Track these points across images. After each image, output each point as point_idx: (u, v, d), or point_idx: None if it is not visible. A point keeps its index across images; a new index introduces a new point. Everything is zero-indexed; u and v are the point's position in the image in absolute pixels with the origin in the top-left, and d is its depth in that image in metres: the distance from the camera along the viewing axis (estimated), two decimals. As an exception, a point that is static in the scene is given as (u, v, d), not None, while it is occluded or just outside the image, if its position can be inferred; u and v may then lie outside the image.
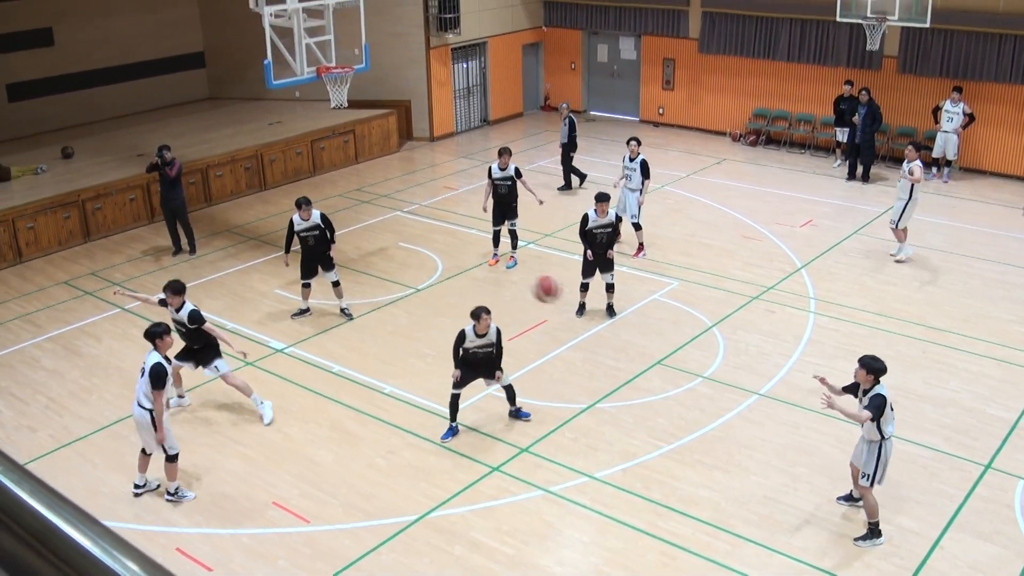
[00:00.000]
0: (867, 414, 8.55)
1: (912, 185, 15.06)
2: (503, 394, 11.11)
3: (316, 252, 13.59)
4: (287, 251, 13.84)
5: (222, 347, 11.07)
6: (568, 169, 19.43)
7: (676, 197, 18.97)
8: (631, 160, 15.88)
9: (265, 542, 9.18)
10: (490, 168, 15.57)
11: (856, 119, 19.55)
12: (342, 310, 13.99)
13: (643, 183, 15.74)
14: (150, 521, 9.53)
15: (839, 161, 20.85)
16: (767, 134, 22.84)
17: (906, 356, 12.47)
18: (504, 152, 15.52)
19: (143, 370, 9.45)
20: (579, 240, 13.67)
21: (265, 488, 10.00)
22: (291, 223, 13.57)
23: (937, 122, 19.55)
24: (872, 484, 8.83)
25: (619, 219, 14.13)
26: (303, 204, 13.47)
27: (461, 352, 10.59)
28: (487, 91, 25.05)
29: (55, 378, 12.43)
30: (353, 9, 15.65)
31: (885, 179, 19.91)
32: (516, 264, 15.67)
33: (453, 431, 10.85)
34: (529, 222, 16.81)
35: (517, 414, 11.18)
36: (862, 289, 14.57)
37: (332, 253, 13.63)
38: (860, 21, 18.93)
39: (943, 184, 19.59)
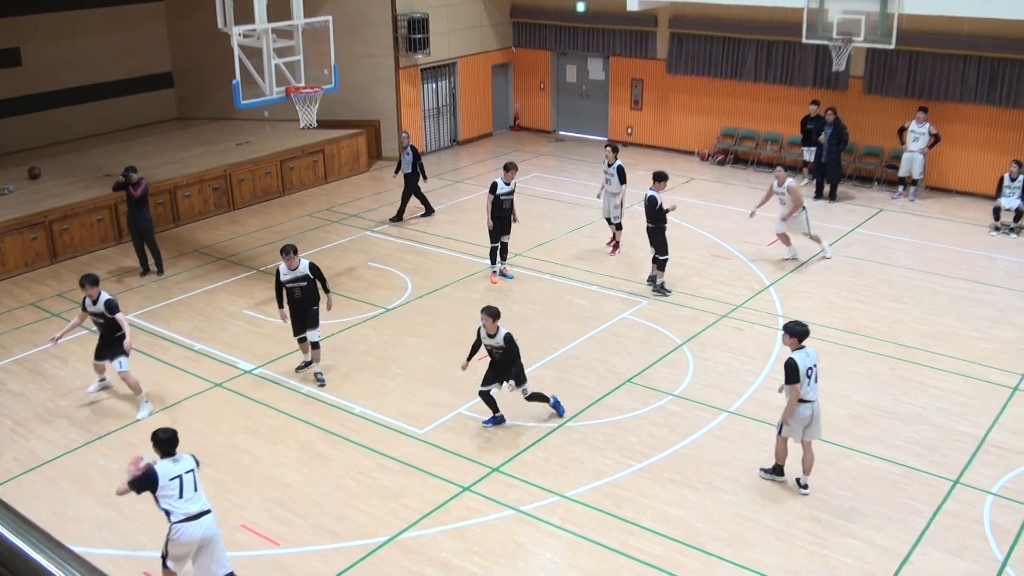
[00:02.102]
0: (792, 400, 9.76)
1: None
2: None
3: (303, 306, 12.38)
4: (280, 305, 12.47)
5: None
6: (421, 196, 19.24)
7: (643, 216, 19.01)
8: (609, 165, 16.54)
9: (234, 565, 9.06)
10: (495, 183, 15.54)
11: (823, 138, 19.76)
12: (316, 375, 12.60)
13: (621, 188, 16.41)
14: (117, 545, 9.40)
15: (806, 180, 21.02)
16: (735, 153, 23.02)
17: (875, 373, 12.56)
18: (511, 167, 15.59)
19: (191, 473, 8.19)
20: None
21: (234, 511, 9.89)
22: (277, 273, 12.41)
23: (903, 142, 19.77)
24: (779, 432, 10.06)
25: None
26: (288, 252, 12.22)
27: (481, 346, 11.23)
28: (457, 111, 25.09)
29: (21, 401, 12.26)
30: (322, 29, 15.65)
31: (852, 198, 20.12)
32: (514, 276, 15.95)
33: (496, 419, 11.45)
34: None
35: (555, 408, 11.63)
36: (830, 307, 14.67)
37: (328, 305, 12.66)
38: (826, 42, 19.14)
39: (909, 203, 19.81)
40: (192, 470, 8.26)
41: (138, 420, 11.67)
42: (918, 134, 19.44)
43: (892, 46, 18.51)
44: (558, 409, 11.54)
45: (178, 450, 8.32)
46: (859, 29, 18.56)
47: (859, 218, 18.81)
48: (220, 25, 14.82)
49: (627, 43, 24.08)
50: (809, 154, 20.68)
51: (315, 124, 16.12)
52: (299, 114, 15.78)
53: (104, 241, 17.91)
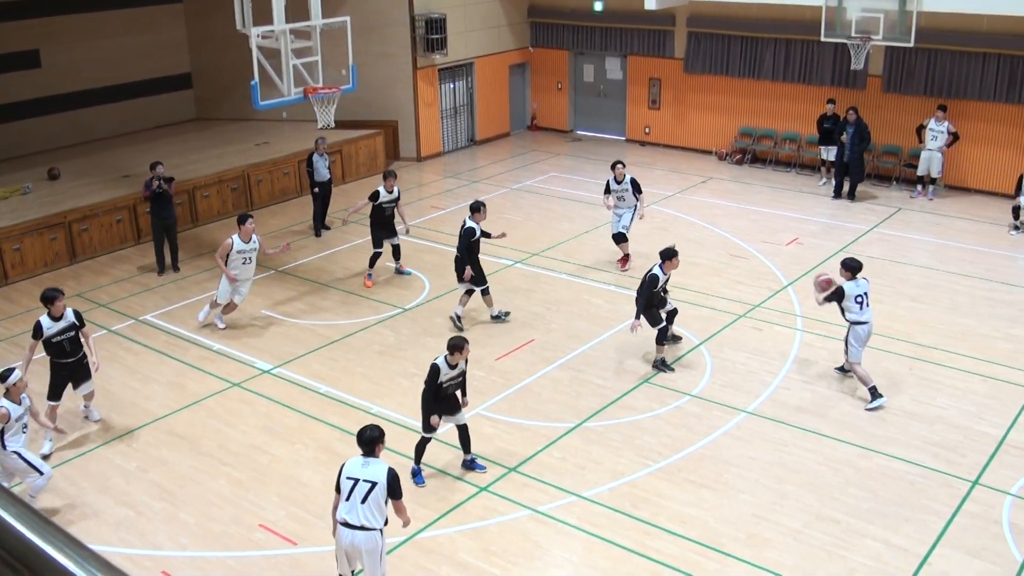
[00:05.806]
0: (821, 297, 11.96)
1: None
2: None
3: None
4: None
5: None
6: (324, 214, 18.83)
7: (663, 216, 19.03)
8: (618, 183, 16.04)
9: (252, 565, 9.13)
10: (376, 191, 15.72)
11: (844, 138, 19.61)
12: (494, 316, 14.42)
13: (637, 199, 16.05)
14: (135, 544, 9.45)
15: (824, 179, 20.95)
16: (753, 153, 22.96)
17: (893, 373, 12.51)
18: (389, 175, 15.84)
19: (367, 485, 7.82)
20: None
21: (252, 510, 9.94)
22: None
23: (921, 141, 19.67)
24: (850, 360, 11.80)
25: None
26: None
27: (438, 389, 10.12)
28: (474, 111, 25.12)
29: (41, 401, 12.30)
30: (340, 30, 15.69)
31: (871, 197, 20.03)
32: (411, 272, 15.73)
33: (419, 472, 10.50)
34: (517, 242, 16.85)
35: (471, 464, 10.59)
36: (848, 307, 14.59)
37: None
38: (844, 41, 19.10)
39: (928, 202, 19.70)
40: (374, 484, 7.79)
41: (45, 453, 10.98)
42: (937, 132, 19.32)
43: (911, 44, 18.48)
44: (474, 465, 10.59)
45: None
46: (878, 27, 18.52)
47: (878, 217, 18.74)
48: (239, 26, 14.88)
49: (645, 42, 24.05)
50: (827, 153, 20.59)
51: (333, 124, 16.16)
52: (317, 114, 15.84)
53: (123, 241, 18.01)
